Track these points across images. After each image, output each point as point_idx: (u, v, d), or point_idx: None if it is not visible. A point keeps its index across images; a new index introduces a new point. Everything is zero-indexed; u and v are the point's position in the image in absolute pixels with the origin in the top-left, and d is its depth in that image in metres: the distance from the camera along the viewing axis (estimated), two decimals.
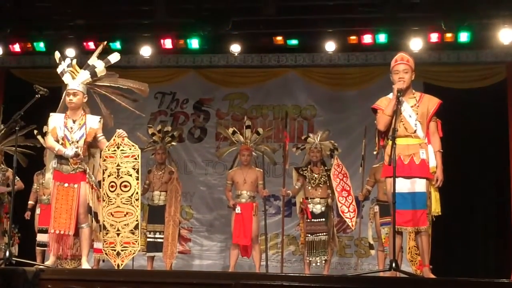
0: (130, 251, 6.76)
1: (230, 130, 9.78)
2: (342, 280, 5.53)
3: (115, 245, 6.76)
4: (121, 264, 6.74)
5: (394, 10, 9.89)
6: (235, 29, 10.47)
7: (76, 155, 6.62)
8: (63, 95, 6.93)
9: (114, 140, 6.85)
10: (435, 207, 6.40)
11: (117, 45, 10.76)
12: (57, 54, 7.03)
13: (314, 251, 9.07)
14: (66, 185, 6.67)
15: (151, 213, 9.55)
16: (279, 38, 10.76)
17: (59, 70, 6.90)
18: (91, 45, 10.63)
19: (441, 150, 6.24)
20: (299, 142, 10.52)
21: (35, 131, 9.13)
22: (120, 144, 6.83)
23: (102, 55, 6.99)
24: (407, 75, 6.23)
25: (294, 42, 10.94)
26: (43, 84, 7.35)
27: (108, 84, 6.96)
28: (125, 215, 6.76)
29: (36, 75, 11.37)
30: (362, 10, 10.17)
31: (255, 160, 9.70)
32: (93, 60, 6.87)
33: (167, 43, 10.89)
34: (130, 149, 6.84)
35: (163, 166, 9.68)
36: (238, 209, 9.26)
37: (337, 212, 9.28)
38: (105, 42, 7.24)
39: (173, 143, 9.90)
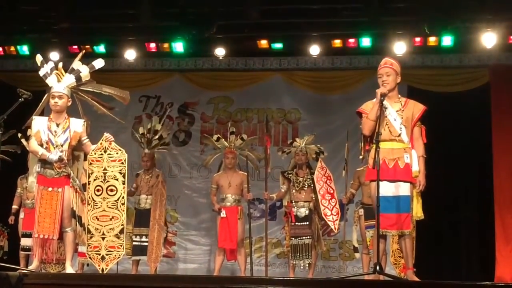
0: (115, 255, 6.76)
1: (215, 137, 9.77)
2: (326, 283, 5.56)
3: (99, 249, 6.75)
4: (106, 268, 6.73)
5: (378, 14, 9.93)
6: (219, 33, 10.48)
7: (60, 159, 6.60)
8: (44, 98, 6.92)
9: (101, 144, 6.85)
10: (417, 211, 6.44)
11: (101, 48, 10.73)
12: (38, 58, 7.01)
13: (298, 254, 9.10)
14: (50, 189, 6.66)
15: (138, 216, 9.54)
16: (264, 41, 10.77)
17: (41, 73, 6.88)
18: (75, 48, 10.60)
19: (425, 156, 6.29)
20: (284, 145, 10.54)
21: (19, 135, 9.09)
22: (107, 148, 6.83)
23: (87, 60, 6.99)
24: (389, 78, 6.28)
25: (278, 45, 10.96)
26: (26, 87, 7.33)
27: (91, 90, 6.96)
28: (110, 219, 6.76)
29: (20, 78, 11.31)
30: (346, 14, 10.20)
31: (239, 164, 9.71)
32: (78, 65, 6.87)
33: (152, 47, 10.89)
34: (117, 153, 6.84)
35: (150, 170, 9.68)
36: (223, 213, 9.26)
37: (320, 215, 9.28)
38: (84, 51, 7.26)
39: (164, 145, 9.88)
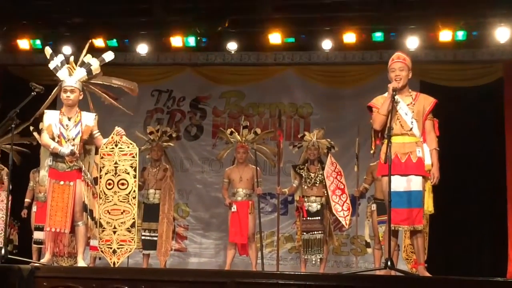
0: (127, 249, 6.78)
1: (228, 131, 9.77)
2: (337, 278, 5.54)
3: (111, 242, 6.78)
4: (117, 262, 6.76)
5: (391, 8, 9.89)
6: (231, 27, 10.47)
7: (72, 153, 6.62)
8: (54, 91, 6.94)
9: (112, 138, 6.87)
10: (428, 206, 6.41)
11: (114, 42, 10.78)
12: (47, 50, 7.01)
13: (310, 249, 9.08)
14: (61, 183, 6.67)
15: (147, 211, 9.54)
16: (276, 36, 10.76)
17: (51, 66, 6.89)
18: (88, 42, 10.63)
19: (438, 148, 6.26)
20: (296, 140, 10.53)
21: (31, 128, 9.12)
22: (118, 142, 6.85)
23: (99, 54, 7.01)
24: (403, 73, 6.26)
25: (290, 40, 10.94)
26: (39, 81, 7.35)
27: (101, 83, 6.98)
28: (122, 213, 6.79)
29: (33, 72, 11.34)
30: (358, 8, 10.16)
31: (251, 158, 9.71)
32: (88, 58, 6.89)
33: (164, 41, 10.89)
34: (128, 147, 6.85)
35: (158, 163, 9.66)
36: (234, 208, 9.26)
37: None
38: (90, 42, 7.30)
39: (170, 143, 9.89)
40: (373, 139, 6.42)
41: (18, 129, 8.72)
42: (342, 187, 9.07)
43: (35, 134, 9.05)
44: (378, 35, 10.44)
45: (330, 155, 9.28)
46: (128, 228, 6.78)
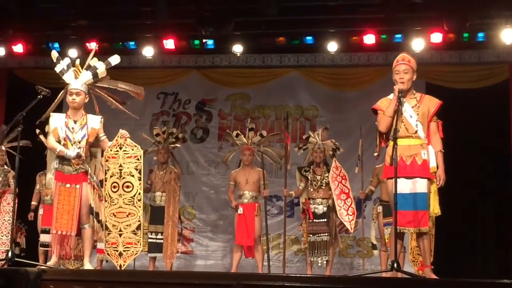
0: (133, 251, 6.78)
1: (234, 133, 9.77)
2: (343, 281, 5.53)
3: (117, 245, 6.78)
4: (123, 265, 6.76)
5: (396, 10, 9.90)
6: (237, 30, 10.49)
7: (78, 156, 6.63)
8: (60, 94, 6.95)
9: (116, 140, 6.87)
10: (434, 208, 6.40)
11: (119, 45, 10.80)
12: (54, 54, 7.03)
13: (316, 251, 9.08)
14: (68, 185, 6.67)
15: (153, 213, 9.54)
16: (281, 38, 10.77)
17: (57, 69, 6.90)
18: (94, 45, 10.65)
19: (443, 150, 6.25)
20: (301, 142, 10.53)
21: (37, 131, 9.15)
22: (123, 145, 6.85)
23: (105, 57, 7.02)
24: (407, 75, 6.24)
25: (296, 42, 10.95)
26: (45, 84, 7.37)
27: (107, 86, 6.99)
28: (127, 216, 6.78)
29: (39, 75, 11.38)
30: (363, 11, 10.17)
31: (257, 160, 9.70)
32: (94, 61, 6.90)
33: (169, 44, 10.91)
34: (132, 149, 6.85)
35: (165, 165, 9.66)
36: (240, 210, 9.26)
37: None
38: (97, 48, 7.32)
39: (177, 144, 9.88)
40: (378, 141, 6.42)
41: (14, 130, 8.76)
42: (347, 191, 9.05)
43: (41, 137, 9.08)
44: (383, 37, 10.45)
45: (335, 159, 9.27)
46: (134, 231, 6.78)
